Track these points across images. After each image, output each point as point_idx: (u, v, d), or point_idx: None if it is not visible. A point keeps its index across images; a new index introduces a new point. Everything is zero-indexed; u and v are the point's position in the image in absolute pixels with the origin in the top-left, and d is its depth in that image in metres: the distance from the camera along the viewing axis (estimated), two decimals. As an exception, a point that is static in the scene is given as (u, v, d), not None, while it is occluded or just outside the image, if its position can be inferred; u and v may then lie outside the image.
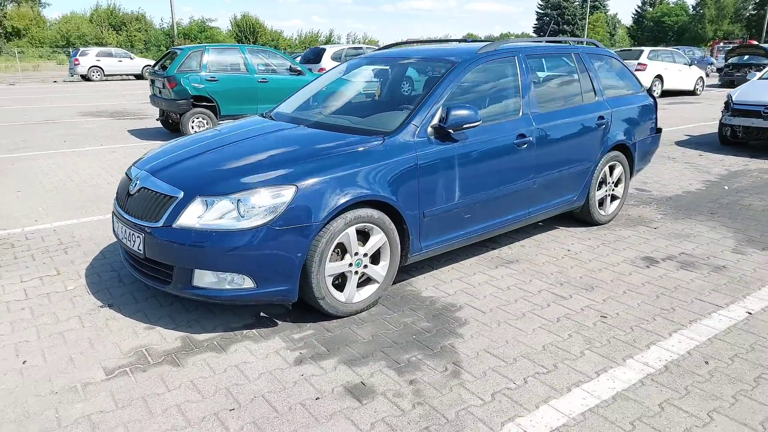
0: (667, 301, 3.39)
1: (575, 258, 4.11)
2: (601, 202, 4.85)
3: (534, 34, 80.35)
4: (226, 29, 58.99)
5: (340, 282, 3.17)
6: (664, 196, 5.84)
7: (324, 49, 17.40)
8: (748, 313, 3.24)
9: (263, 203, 2.82)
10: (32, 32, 51.98)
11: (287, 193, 2.85)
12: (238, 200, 2.82)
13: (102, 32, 52.25)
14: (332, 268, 3.04)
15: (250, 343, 2.91)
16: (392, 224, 3.24)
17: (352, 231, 3.06)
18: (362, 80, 4.49)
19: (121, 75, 29.10)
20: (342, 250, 3.10)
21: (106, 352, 2.82)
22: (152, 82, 10.02)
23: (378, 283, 3.28)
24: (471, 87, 3.85)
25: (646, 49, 16.94)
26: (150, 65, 26.14)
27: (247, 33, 55.03)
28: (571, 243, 4.42)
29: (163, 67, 9.75)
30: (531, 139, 3.92)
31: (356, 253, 3.13)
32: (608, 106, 4.64)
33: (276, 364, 2.71)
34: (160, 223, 2.90)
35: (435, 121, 3.43)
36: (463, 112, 3.38)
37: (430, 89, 3.58)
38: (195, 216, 2.84)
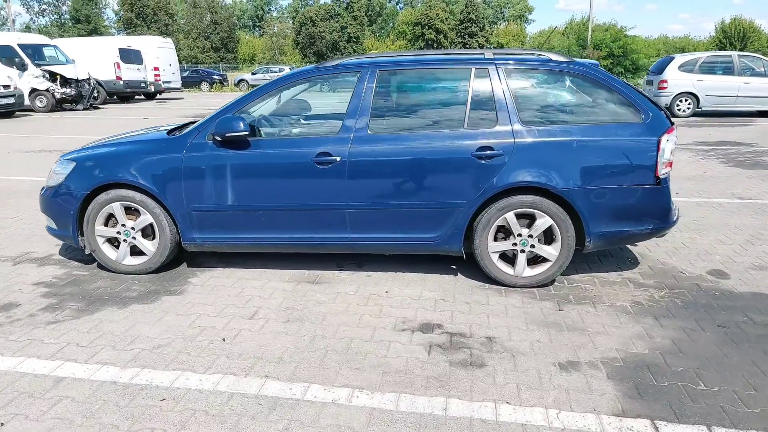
0: (306, 357, 2.89)
1: (367, 299, 3.61)
2: (511, 259, 3.78)
3: None
4: (708, 35, 55.13)
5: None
6: (726, 290, 3.76)
7: (672, 59, 15.41)
8: (335, 402, 2.50)
9: (62, 171, 4.03)
10: (510, 46, 61.40)
11: (70, 166, 3.97)
12: (58, 167, 4.11)
13: (572, 44, 57.41)
14: (104, 230, 3.98)
15: (54, 267, 4.21)
16: (159, 209, 3.89)
17: (117, 206, 3.91)
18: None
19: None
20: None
21: (21, 249, 4.61)
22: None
23: (147, 256, 4.00)
24: (289, 101, 3.92)
25: None
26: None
27: (734, 39, 49.64)
28: (412, 289, 3.76)
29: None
30: (339, 159, 3.67)
31: (124, 225, 3.95)
32: (512, 135, 3.60)
33: (27, 279, 3.96)
34: (49, 179, 4.47)
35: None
36: (228, 124, 3.67)
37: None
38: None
